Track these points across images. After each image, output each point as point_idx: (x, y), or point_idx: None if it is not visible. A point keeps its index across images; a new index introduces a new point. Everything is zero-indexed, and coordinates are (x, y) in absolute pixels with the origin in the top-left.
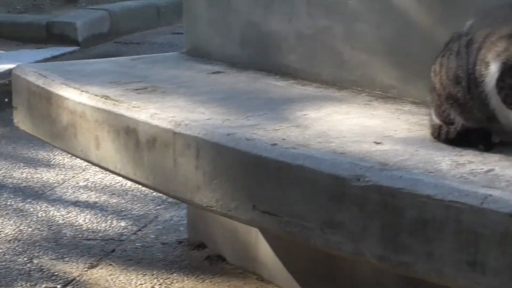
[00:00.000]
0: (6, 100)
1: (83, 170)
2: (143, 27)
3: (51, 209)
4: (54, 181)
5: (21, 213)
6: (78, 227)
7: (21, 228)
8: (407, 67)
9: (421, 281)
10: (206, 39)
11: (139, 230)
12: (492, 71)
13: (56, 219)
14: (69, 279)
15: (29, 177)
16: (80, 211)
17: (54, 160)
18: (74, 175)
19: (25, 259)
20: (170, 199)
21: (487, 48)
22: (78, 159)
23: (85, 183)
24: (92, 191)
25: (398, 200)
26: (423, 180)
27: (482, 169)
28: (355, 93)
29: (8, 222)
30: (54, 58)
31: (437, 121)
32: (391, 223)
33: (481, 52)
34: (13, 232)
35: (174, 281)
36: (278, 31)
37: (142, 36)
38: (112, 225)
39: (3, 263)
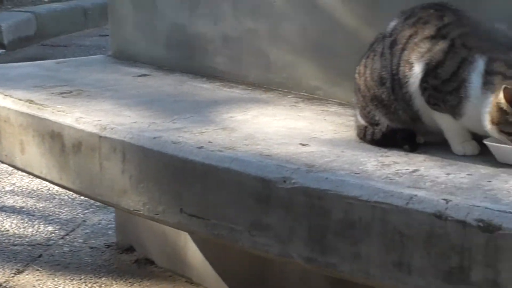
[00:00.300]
0: None
1: (9, 174)
2: (70, 29)
3: None
4: None
5: None
6: (4, 232)
7: None
8: (332, 69)
9: (350, 281)
10: (132, 42)
11: (67, 235)
12: (416, 72)
13: None
14: None
15: None
16: (6, 216)
17: None
18: (0, 180)
19: None
20: (98, 203)
21: (411, 49)
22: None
23: (11, 188)
24: (18, 195)
25: (325, 201)
26: (349, 181)
27: (407, 169)
28: (281, 94)
29: None
30: None
31: (362, 122)
32: (318, 225)
33: (404, 53)
34: None
35: (103, 285)
36: (204, 34)
37: (69, 38)
38: (39, 230)
39: None
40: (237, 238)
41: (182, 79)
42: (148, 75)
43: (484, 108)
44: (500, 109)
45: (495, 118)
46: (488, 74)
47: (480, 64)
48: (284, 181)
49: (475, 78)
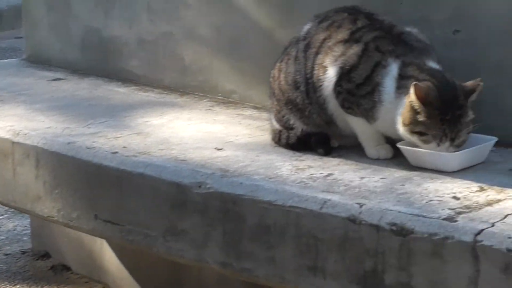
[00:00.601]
0: None
1: None
2: None
3: None
4: None
5: None
6: None
7: None
8: (247, 72)
9: (266, 286)
10: (47, 45)
11: None
12: (330, 75)
13: None
14: None
15: None
16: None
17: None
18: None
19: None
20: None
21: (325, 52)
22: None
23: None
24: None
25: (239, 206)
26: (264, 186)
27: (321, 173)
28: (197, 98)
29: None
30: None
31: (277, 126)
32: (233, 230)
33: (318, 57)
34: None
35: None
36: (119, 37)
37: None
38: None
39: None
40: (152, 244)
41: (97, 83)
42: (62, 79)
43: (397, 111)
44: (411, 109)
45: (407, 119)
46: (402, 78)
47: (393, 68)
48: (199, 186)
49: (389, 82)
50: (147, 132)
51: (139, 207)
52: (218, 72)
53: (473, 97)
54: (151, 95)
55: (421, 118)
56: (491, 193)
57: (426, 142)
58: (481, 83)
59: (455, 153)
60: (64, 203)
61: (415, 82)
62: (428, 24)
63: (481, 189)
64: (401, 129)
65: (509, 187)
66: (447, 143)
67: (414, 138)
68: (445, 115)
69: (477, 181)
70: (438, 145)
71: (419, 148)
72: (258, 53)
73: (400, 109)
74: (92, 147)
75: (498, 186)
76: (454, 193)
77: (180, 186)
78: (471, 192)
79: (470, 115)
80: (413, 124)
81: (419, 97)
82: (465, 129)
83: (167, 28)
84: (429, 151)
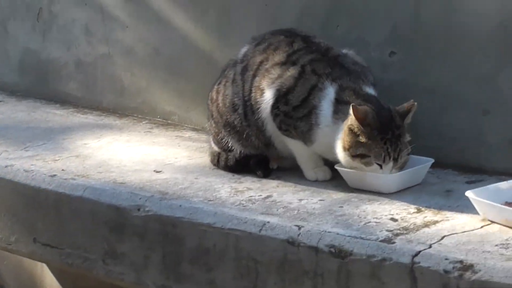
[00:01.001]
0: None
1: None
2: None
3: None
4: None
5: None
6: None
7: None
8: (186, 94)
9: None
10: None
11: None
12: (267, 98)
13: None
14: None
15: None
16: None
17: None
18: None
19: None
20: None
21: (262, 75)
22: None
23: None
24: None
25: (179, 229)
26: (203, 209)
27: (260, 195)
28: (136, 120)
29: None
30: None
31: (216, 148)
32: (173, 253)
33: (256, 79)
34: None
35: None
36: (57, 59)
37: None
38: None
39: None
40: (92, 267)
41: (36, 105)
42: (0, 101)
43: (336, 136)
44: (350, 132)
45: (347, 143)
46: (339, 102)
47: (330, 92)
48: (138, 209)
49: (326, 106)
50: (85, 154)
51: (78, 230)
52: (157, 94)
53: (408, 118)
54: (90, 117)
55: (362, 139)
56: (428, 214)
57: (368, 164)
58: (415, 104)
59: (393, 174)
60: (2, 226)
61: (352, 104)
62: (364, 45)
63: (419, 211)
64: (342, 155)
65: (446, 208)
66: (390, 164)
67: (356, 162)
68: (385, 134)
69: (415, 202)
70: (381, 166)
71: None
72: (197, 74)
73: (338, 134)
74: (30, 170)
75: (435, 207)
76: (392, 214)
77: (119, 209)
78: (409, 213)
79: (408, 137)
80: (353, 148)
81: (358, 118)
82: (405, 149)
83: (105, 49)
84: (366, 172)
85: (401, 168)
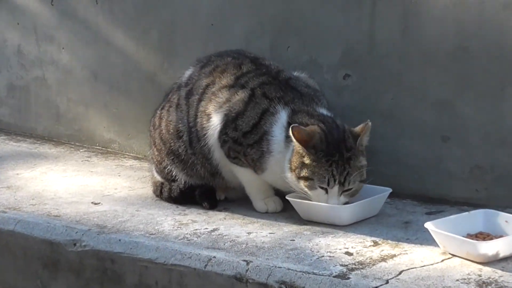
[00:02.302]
0: None
1: None
2: None
3: None
4: None
5: None
6: None
7: None
8: (127, 120)
9: None
10: None
11: None
12: (214, 123)
13: None
14: None
15: None
16: None
17: None
18: None
19: None
20: None
21: (208, 99)
22: None
23: None
24: None
25: (118, 265)
26: (144, 243)
27: (206, 229)
28: (73, 148)
29: None
30: None
31: (159, 178)
32: None
33: (202, 104)
34: None
35: None
36: None
37: None
38: None
39: None
40: None
41: None
42: None
43: (286, 160)
44: (297, 153)
45: (293, 164)
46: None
47: (282, 116)
48: (74, 244)
49: (278, 131)
50: (18, 185)
51: (9, 267)
52: (96, 120)
53: (363, 139)
54: (23, 145)
55: (306, 161)
56: (386, 247)
57: (311, 187)
58: (369, 124)
59: (347, 205)
60: None
61: (293, 125)
62: (317, 68)
63: (375, 244)
64: (289, 177)
65: (404, 241)
66: (335, 188)
67: (301, 185)
68: (331, 156)
69: (371, 235)
70: (326, 191)
71: (310, 200)
72: (139, 98)
73: (288, 156)
74: None
75: (392, 240)
76: (347, 248)
77: (53, 244)
78: (365, 247)
79: (363, 160)
80: (299, 169)
81: (299, 139)
82: (356, 173)
83: (39, 72)
84: (319, 203)
85: (353, 195)
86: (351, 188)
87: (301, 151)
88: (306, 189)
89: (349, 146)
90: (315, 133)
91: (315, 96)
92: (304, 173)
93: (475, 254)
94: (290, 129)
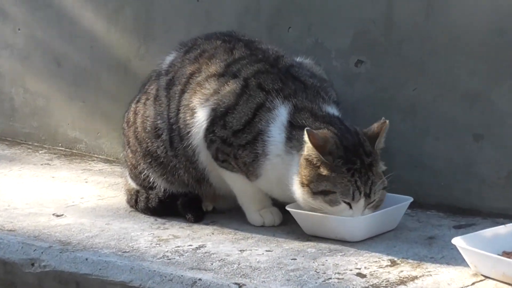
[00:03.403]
0: None
1: None
2: None
3: None
4: None
5: None
6: None
7: None
8: (96, 115)
9: None
10: None
11: None
12: (200, 119)
13: None
14: None
15: None
16: None
17: None
18: None
19: None
20: None
21: (193, 90)
22: None
23: None
24: None
25: None
26: (116, 263)
27: (190, 245)
28: (31, 149)
29: None
30: None
31: (133, 185)
32: None
33: (185, 96)
34: None
35: None
36: None
37: None
38: None
39: None
40: None
41: None
42: None
43: (290, 170)
44: (309, 164)
45: (305, 177)
46: (293, 127)
47: (282, 113)
48: (32, 264)
49: (276, 131)
50: None
51: None
52: (58, 116)
53: (380, 142)
54: None
55: (323, 172)
56: (406, 268)
57: (334, 203)
58: (387, 123)
59: (359, 217)
60: None
61: (308, 128)
62: (324, 53)
63: (393, 264)
64: (300, 192)
65: (427, 260)
66: (361, 201)
67: (319, 202)
68: (352, 164)
69: (388, 253)
70: (351, 205)
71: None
72: (110, 90)
73: (293, 167)
74: None
75: (414, 259)
76: (359, 269)
77: (7, 264)
78: (380, 267)
79: (382, 166)
80: (315, 183)
81: (315, 145)
82: (380, 181)
83: None
84: (326, 215)
85: (377, 207)
86: (375, 199)
87: (314, 160)
88: (326, 205)
89: (368, 151)
90: (328, 137)
91: (322, 89)
92: (324, 186)
93: None
94: (306, 132)
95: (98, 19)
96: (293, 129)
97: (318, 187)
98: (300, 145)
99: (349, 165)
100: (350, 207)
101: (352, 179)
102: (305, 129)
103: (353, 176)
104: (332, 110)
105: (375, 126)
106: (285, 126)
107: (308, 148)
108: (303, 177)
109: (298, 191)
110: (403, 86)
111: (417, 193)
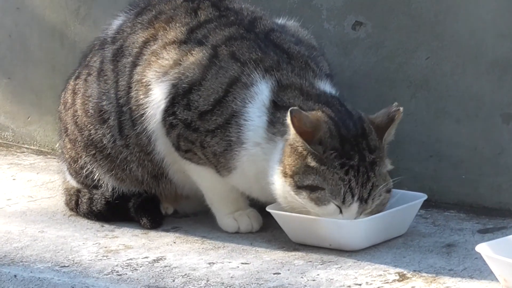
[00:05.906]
0: None
1: None
2: None
3: None
4: None
5: None
6: None
7: None
8: (25, 97)
9: None
10: None
11: None
12: (156, 98)
13: None
14: None
15: None
16: None
17: None
18: None
19: None
20: None
21: (147, 62)
22: None
23: None
24: None
25: None
26: (53, 280)
27: (146, 258)
28: None
29: None
30: None
31: (73, 183)
32: None
33: (137, 70)
34: None
35: None
36: None
37: None
38: None
39: None
40: None
41: None
42: None
43: (272, 160)
44: (294, 151)
45: (289, 167)
46: (277, 107)
47: (262, 91)
48: None
49: (255, 113)
50: None
51: None
52: None
53: (390, 134)
54: None
55: (310, 163)
56: (418, 283)
57: (321, 202)
58: (400, 109)
59: (360, 220)
60: None
61: (292, 108)
62: (313, 12)
63: (402, 278)
64: (280, 185)
65: (445, 273)
66: (354, 206)
67: (302, 198)
68: (349, 159)
69: (396, 264)
70: (341, 210)
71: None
72: (42, 63)
73: (276, 155)
74: None
75: (428, 272)
76: (359, 284)
77: None
78: (386, 282)
79: (388, 164)
80: (300, 175)
81: (299, 130)
82: (382, 184)
83: None
84: (318, 218)
85: (378, 212)
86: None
87: (300, 148)
88: (311, 203)
89: (373, 145)
90: (321, 122)
91: (312, 59)
92: (311, 181)
93: None
94: (289, 113)
95: None
96: (278, 111)
97: (303, 181)
98: (285, 129)
99: (344, 160)
100: (340, 211)
101: (345, 178)
102: (289, 109)
103: (347, 174)
104: (326, 87)
105: (385, 113)
106: (267, 106)
107: (293, 133)
108: (287, 166)
109: (278, 181)
110: (414, 54)
111: (432, 189)
